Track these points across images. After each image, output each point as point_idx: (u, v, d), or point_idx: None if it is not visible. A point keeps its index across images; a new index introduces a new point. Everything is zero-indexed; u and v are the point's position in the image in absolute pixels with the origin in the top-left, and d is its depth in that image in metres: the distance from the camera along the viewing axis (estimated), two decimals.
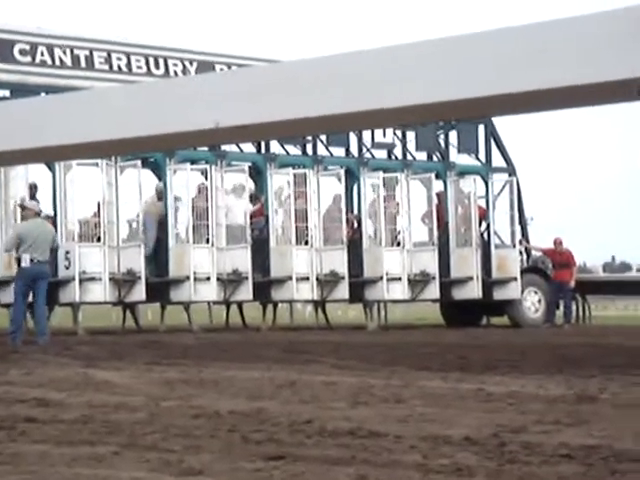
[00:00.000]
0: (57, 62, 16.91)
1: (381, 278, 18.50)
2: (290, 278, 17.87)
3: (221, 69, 17.74)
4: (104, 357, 10.07)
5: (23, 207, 14.14)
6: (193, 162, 17.79)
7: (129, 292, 16.91)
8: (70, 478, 3.53)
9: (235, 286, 17.66)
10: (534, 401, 5.68)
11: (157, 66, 17.80)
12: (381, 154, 20.14)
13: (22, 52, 16.65)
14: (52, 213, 16.56)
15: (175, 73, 17.73)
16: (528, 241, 20.65)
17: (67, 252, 16.29)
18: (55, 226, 16.17)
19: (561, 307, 20.31)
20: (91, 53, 17.25)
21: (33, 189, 16.72)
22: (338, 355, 10.00)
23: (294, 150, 19.43)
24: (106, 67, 17.35)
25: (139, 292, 16.82)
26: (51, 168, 16.58)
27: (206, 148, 17.32)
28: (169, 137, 1.67)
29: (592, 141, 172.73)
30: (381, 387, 6.53)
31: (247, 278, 17.53)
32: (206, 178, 17.77)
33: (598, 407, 5.41)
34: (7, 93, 16.43)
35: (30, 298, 13.06)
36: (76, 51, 17.10)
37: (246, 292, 17.62)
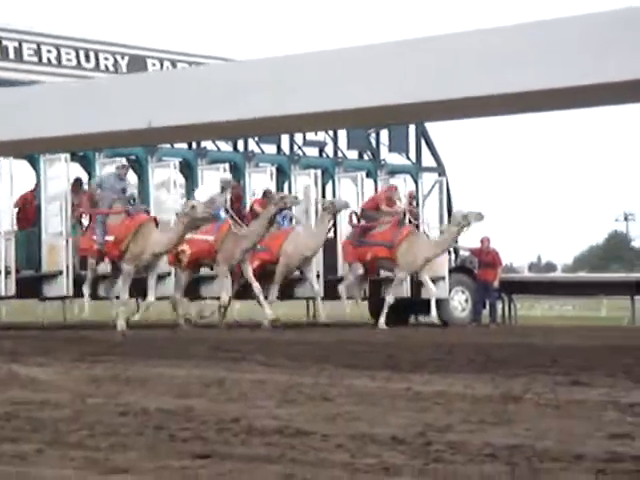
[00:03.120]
0: None
1: (318, 276, 18.53)
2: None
3: (153, 64, 17.63)
4: (28, 352, 9.95)
5: None
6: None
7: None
8: None
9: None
10: (461, 400, 5.73)
11: (87, 59, 17.61)
12: (312, 152, 20.18)
13: None
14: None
15: (106, 67, 17.56)
16: (456, 240, 20.84)
17: None
18: None
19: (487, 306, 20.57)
20: (20, 45, 17.01)
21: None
22: (266, 353, 10.01)
23: (225, 146, 19.38)
24: (35, 59, 17.12)
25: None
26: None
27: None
28: (101, 136, 1.66)
29: (519, 144, 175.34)
30: (309, 385, 6.55)
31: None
32: (136, 172, 17.72)
33: (522, 407, 5.48)
34: None
35: None
36: (4, 42, 16.86)
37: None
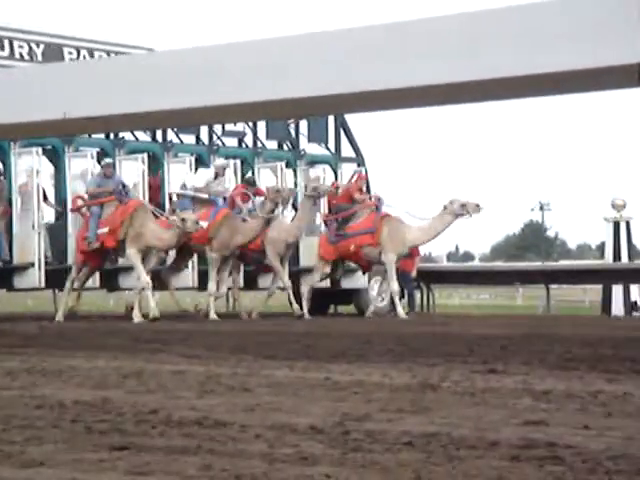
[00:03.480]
0: None
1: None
2: None
3: (70, 52, 17.40)
4: None
5: None
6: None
7: None
8: None
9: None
10: (379, 389, 5.78)
11: (2, 47, 17.29)
12: (232, 142, 20.15)
13: None
14: None
15: (21, 55, 17.27)
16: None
17: None
18: None
19: (406, 296, 20.74)
20: None
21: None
22: (186, 344, 9.97)
23: (144, 136, 19.23)
24: None
25: None
26: None
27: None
28: (16, 126, 1.65)
29: (436, 135, 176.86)
30: (228, 376, 6.55)
31: None
32: (52, 162, 17.52)
33: (439, 395, 5.55)
34: None
35: None
36: None
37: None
